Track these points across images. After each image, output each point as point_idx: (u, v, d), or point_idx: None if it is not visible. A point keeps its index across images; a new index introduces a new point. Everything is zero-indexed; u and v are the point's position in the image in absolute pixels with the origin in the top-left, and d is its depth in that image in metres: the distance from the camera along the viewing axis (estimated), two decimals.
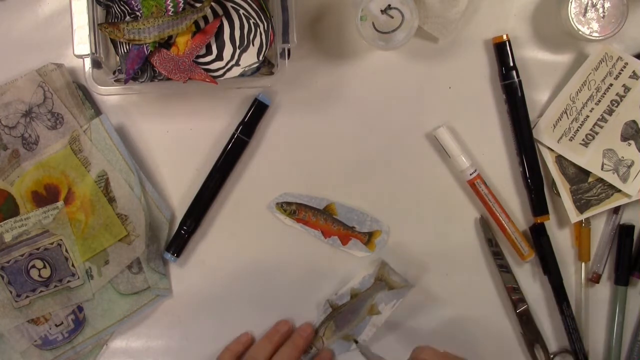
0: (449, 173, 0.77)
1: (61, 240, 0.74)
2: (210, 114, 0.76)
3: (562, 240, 0.78)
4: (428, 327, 0.77)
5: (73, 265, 0.75)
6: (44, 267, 0.74)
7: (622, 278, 0.77)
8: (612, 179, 0.75)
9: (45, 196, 0.75)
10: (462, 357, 0.66)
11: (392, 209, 0.77)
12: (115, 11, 0.67)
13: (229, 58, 0.68)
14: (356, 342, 0.75)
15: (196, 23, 0.67)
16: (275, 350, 0.73)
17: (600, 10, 0.72)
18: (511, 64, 0.74)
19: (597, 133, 0.75)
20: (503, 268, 0.76)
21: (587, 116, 0.75)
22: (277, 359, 0.72)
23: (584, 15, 0.72)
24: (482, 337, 0.77)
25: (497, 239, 0.77)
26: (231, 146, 0.74)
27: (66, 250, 0.74)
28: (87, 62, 0.67)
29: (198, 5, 0.66)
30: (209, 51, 0.68)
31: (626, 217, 0.78)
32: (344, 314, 0.76)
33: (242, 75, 0.69)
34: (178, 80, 0.67)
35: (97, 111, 0.76)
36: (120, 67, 0.68)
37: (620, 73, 0.74)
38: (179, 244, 0.75)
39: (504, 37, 0.74)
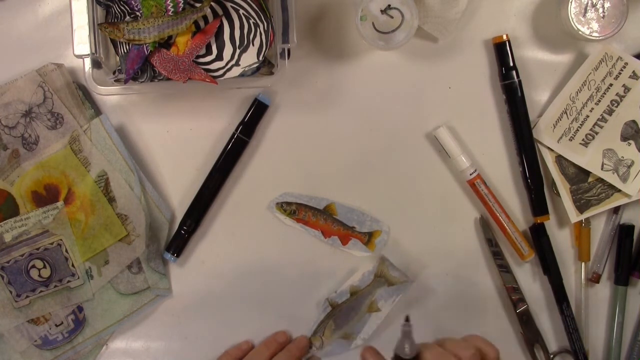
0: (449, 173, 0.77)
1: (61, 240, 0.74)
2: (210, 114, 0.76)
3: (562, 240, 0.78)
4: (428, 326, 0.77)
5: (73, 265, 0.75)
6: (44, 267, 0.74)
7: (622, 278, 0.77)
8: (612, 179, 0.75)
9: (45, 196, 0.75)
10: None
11: (392, 209, 0.77)
12: (115, 11, 0.67)
13: (229, 58, 0.68)
14: (407, 320, 0.68)
15: (196, 23, 0.67)
16: (271, 357, 0.74)
17: (600, 10, 0.72)
18: (511, 64, 0.74)
19: (597, 133, 0.75)
20: (503, 268, 0.76)
21: (587, 116, 0.75)
22: None
23: (584, 15, 0.72)
24: (482, 337, 0.77)
25: (497, 239, 0.77)
26: (231, 146, 0.75)
27: (66, 250, 0.74)
28: (87, 62, 0.67)
29: (198, 5, 0.66)
30: (209, 51, 0.68)
31: (626, 217, 0.78)
32: (344, 311, 0.76)
33: (242, 75, 0.69)
34: (178, 80, 0.67)
35: (97, 111, 0.76)
36: (120, 67, 0.68)
37: (620, 73, 0.74)
38: (179, 244, 0.75)
39: (504, 37, 0.74)
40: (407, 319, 0.64)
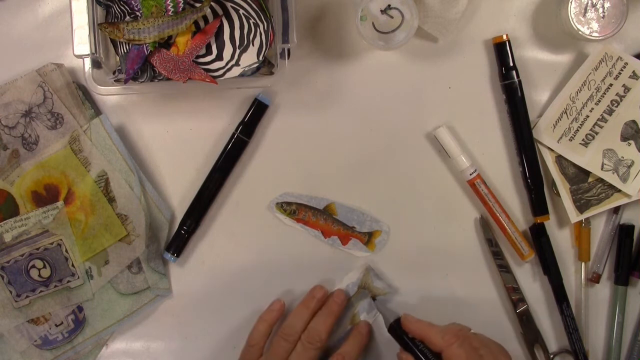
0: (449, 173, 0.77)
1: (61, 240, 0.74)
2: (210, 114, 0.76)
3: (562, 240, 0.78)
4: None
5: (73, 265, 0.75)
6: (44, 267, 0.74)
7: (622, 278, 0.77)
8: (612, 179, 0.75)
9: (45, 196, 0.75)
10: (493, 341, 0.67)
11: (392, 209, 0.77)
12: (115, 11, 0.67)
13: (228, 58, 0.68)
14: (374, 299, 0.74)
15: (196, 23, 0.67)
16: (312, 316, 0.72)
17: (600, 10, 0.72)
18: (511, 64, 0.74)
19: (597, 133, 0.75)
20: (503, 268, 0.76)
21: (587, 116, 0.75)
22: (314, 325, 0.71)
23: (584, 15, 0.72)
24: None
25: (497, 239, 0.77)
26: (231, 146, 0.75)
27: (66, 250, 0.74)
28: (87, 62, 0.67)
29: (198, 5, 0.66)
30: (209, 51, 0.68)
31: (626, 217, 0.78)
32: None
33: (242, 75, 0.69)
34: (178, 80, 0.67)
35: (97, 111, 0.76)
36: (120, 67, 0.68)
37: (620, 73, 0.74)
38: (178, 244, 0.75)
39: (504, 37, 0.74)
40: (374, 298, 0.72)
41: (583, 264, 0.77)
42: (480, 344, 0.66)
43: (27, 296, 0.74)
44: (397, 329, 0.68)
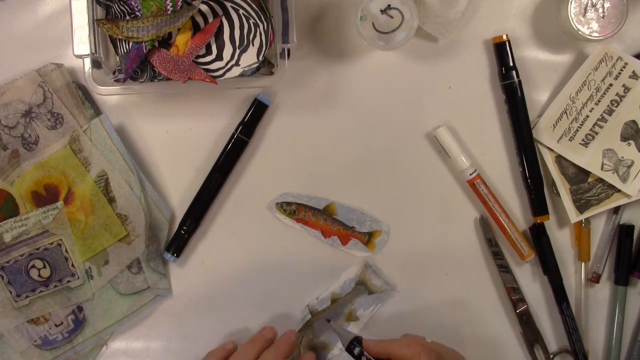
0: (449, 173, 0.77)
1: (61, 240, 0.74)
2: (210, 114, 0.76)
3: (562, 240, 0.78)
4: (428, 327, 0.77)
5: (73, 265, 0.75)
6: (44, 267, 0.74)
7: (622, 278, 0.77)
8: (611, 179, 0.75)
9: (45, 196, 0.75)
10: (451, 348, 0.68)
11: (392, 209, 0.77)
12: (115, 11, 0.67)
13: (228, 58, 0.68)
14: (328, 321, 0.74)
15: (196, 23, 0.67)
16: (258, 355, 0.71)
17: (600, 10, 0.72)
18: (511, 64, 0.74)
19: (597, 133, 0.75)
20: (503, 268, 0.77)
21: (587, 116, 0.75)
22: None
23: (584, 15, 0.72)
24: (482, 337, 0.77)
25: (497, 239, 0.77)
26: (231, 146, 0.75)
27: (66, 250, 0.74)
28: (87, 62, 0.67)
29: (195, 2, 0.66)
30: (208, 51, 0.68)
31: (626, 217, 0.78)
32: (323, 320, 0.75)
33: (242, 75, 0.69)
34: (178, 80, 0.67)
35: (97, 111, 0.76)
36: (120, 67, 0.68)
37: (620, 73, 0.74)
38: (178, 244, 0.75)
39: (504, 37, 0.74)
40: (328, 320, 0.73)
41: (583, 264, 0.77)
42: (441, 349, 0.67)
43: (27, 296, 0.74)
44: (354, 349, 0.67)
